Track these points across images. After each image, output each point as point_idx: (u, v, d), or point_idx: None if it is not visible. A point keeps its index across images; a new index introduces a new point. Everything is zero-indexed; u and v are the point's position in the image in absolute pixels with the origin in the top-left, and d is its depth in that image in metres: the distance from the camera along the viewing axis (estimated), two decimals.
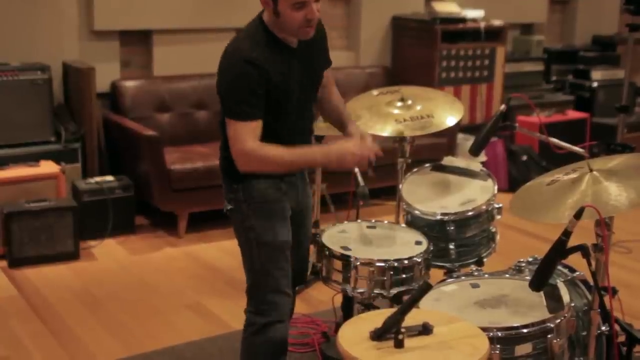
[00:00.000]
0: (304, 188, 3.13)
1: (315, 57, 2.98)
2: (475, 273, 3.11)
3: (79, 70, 5.51)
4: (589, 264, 2.49)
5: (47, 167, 5.19)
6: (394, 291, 3.18)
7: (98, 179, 5.43)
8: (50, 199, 5.03)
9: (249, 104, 2.75)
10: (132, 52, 6.08)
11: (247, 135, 2.75)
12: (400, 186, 3.72)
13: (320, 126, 4.70)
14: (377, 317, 2.40)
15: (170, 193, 5.37)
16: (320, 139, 4.67)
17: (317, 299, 4.45)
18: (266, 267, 2.93)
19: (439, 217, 3.48)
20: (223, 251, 5.19)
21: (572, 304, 2.78)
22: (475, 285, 2.95)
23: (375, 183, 5.25)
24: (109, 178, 5.47)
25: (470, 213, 3.48)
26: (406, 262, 3.19)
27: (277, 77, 2.78)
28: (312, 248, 4.66)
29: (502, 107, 3.50)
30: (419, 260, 3.22)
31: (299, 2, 2.70)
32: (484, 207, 3.50)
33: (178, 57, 6.15)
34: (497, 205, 3.56)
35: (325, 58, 3.09)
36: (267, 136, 2.80)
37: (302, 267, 3.32)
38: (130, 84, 5.92)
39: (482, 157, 3.79)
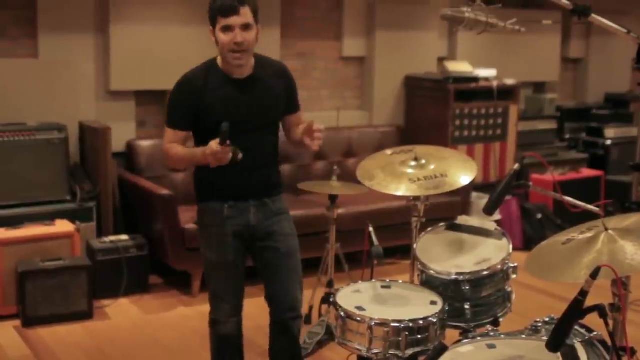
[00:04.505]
0: (264, 214, 3.40)
1: (262, 93, 3.35)
2: (491, 333, 3.08)
3: (95, 130, 5.57)
4: (607, 324, 2.46)
5: (62, 226, 5.21)
6: (409, 352, 3.14)
7: (113, 238, 5.45)
8: (65, 258, 5.04)
9: (173, 114, 3.37)
10: (148, 111, 6.16)
11: (167, 138, 3.39)
12: (415, 245, 3.71)
13: (334, 185, 4.73)
14: None
15: (184, 252, 5.37)
16: (334, 199, 4.69)
17: None
18: (208, 276, 3.50)
19: (454, 276, 3.46)
20: None
21: None
22: (491, 346, 2.91)
23: (390, 242, 5.24)
24: (124, 237, 5.48)
25: (485, 272, 3.46)
26: (421, 322, 3.17)
27: (211, 98, 3.27)
28: (325, 308, 4.68)
29: (516, 165, 3.48)
30: (435, 320, 3.20)
31: (225, 26, 3.17)
32: (499, 266, 3.48)
33: None
34: (512, 265, 3.54)
35: (278, 100, 3.42)
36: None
37: (286, 298, 3.42)
38: (145, 143, 5.97)
39: (497, 216, 3.78)
